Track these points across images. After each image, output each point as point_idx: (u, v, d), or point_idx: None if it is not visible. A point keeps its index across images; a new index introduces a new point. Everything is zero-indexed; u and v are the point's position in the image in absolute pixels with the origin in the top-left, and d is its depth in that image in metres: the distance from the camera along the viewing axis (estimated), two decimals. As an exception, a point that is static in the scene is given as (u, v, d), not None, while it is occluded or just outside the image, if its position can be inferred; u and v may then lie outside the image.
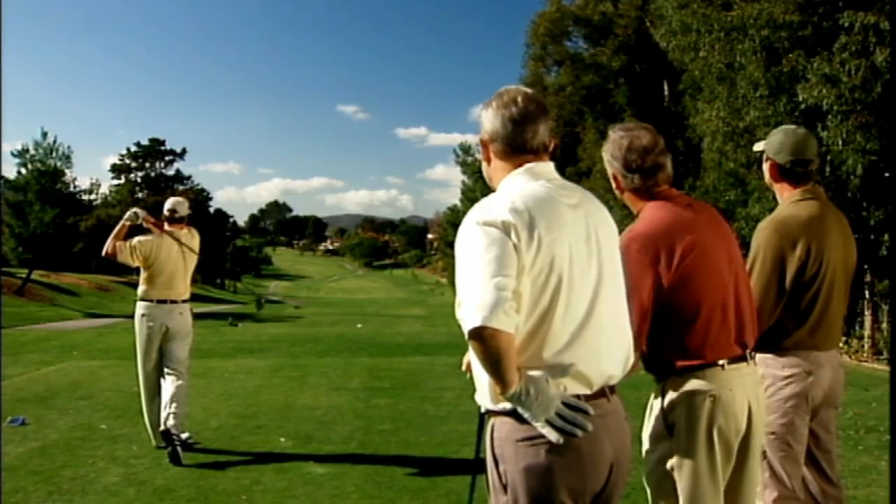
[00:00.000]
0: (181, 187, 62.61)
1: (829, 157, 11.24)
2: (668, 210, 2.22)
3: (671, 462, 2.15)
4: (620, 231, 1.99)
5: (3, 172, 38.01)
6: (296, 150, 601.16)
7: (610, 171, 2.33)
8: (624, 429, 1.82)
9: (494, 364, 1.61)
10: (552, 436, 1.64)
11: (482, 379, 1.74)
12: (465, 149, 54.25)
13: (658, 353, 2.17)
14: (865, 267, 12.35)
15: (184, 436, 4.91)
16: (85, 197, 40.74)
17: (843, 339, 11.74)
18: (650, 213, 2.24)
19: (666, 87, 23.00)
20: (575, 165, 24.54)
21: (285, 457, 4.93)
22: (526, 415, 1.66)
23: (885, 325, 13.00)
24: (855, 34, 10.70)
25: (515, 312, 1.61)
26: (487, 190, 1.87)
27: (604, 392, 1.76)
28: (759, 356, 2.39)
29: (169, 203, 5.44)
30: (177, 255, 5.23)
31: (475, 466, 1.92)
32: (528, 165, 1.81)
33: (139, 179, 66.61)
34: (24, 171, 32.27)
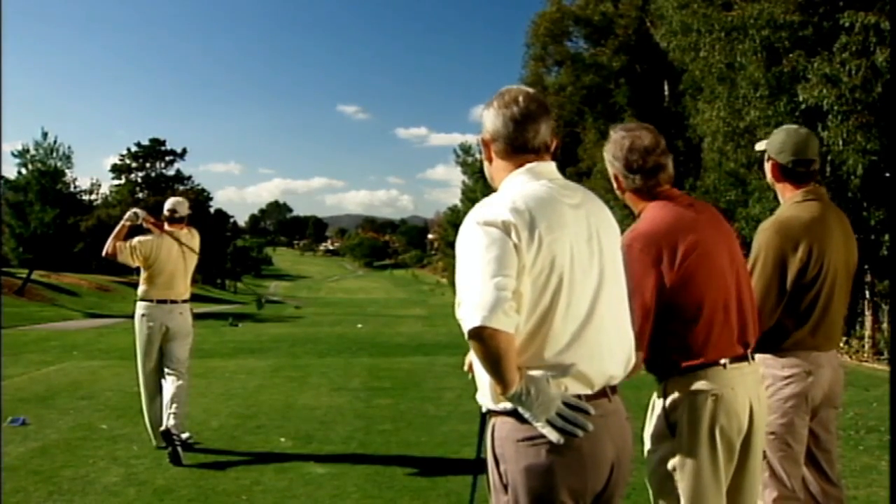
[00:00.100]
0: (181, 187, 62.63)
1: (829, 158, 11.24)
2: (669, 210, 2.22)
3: (673, 462, 2.15)
4: (622, 231, 1.99)
5: (3, 172, 38.05)
6: (296, 151, 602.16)
7: (611, 172, 2.33)
8: (625, 429, 1.81)
9: (494, 364, 1.61)
10: (553, 436, 1.64)
11: (483, 379, 1.74)
12: (466, 149, 54.24)
13: (660, 352, 2.17)
14: (866, 267, 12.35)
15: (184, 436, 4.91)
16: (85, 197, 40.89)
17: (844, 339, 11.73)
18: (652, 213, 2.24)
19: (666, 88, 23.01)
20: (575, 165, 24.54)
21: (286, 457, 4.92)
22: (526, 415, 1.66)
23: (885, 326, 13.00)
24: (855, 34, 10.71)
25: (515, 312, 1.60)
26: (488, 190, 1.87)
27: (605, 392, 1.75)
28: (758, 356, 2.39)
29: (169, 203, 5.43)
30: (177, 255, 5.23)
31: (476, 466, 1.92)
32: (529, 165, 1.80)
33: (139, 179, 66.66)
34: (24, 171, 32.34)
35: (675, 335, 2.16)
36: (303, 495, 4.12)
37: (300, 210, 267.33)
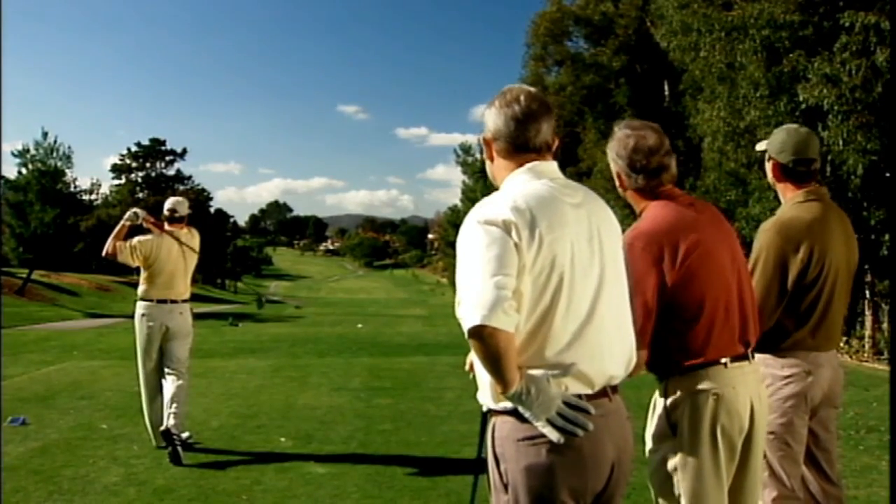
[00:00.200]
0: (182, 187, 62.62)
1: (829, 157, 11.24)
2: (671, 209, 2.22)
3: (675, 461, 2.15)
4: (623, 230, 1.99)
5: (3, 172, 38.04)
6: (296, 151, 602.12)
7: (614, 169, 2.33)
8: (626, 428, 1.81)
9: (494, 363, 1.61)
10: (553, 435, 1.64)
11: (484, 378, 1.73)
12: (466, 149, 54.25)
13: (660, 351, 2.17)
14: (866, 267, 12.35)
15: (184, 435, 4.90)
16: (85, 197, 40.89)
17: (844, 339, 11.73)
18: (653, 212, 2.23)
19: (666, 87, 23.01)
20: (575, 165, 24.54)
21: (286, 457, 4.92)
22: (527, 414, 1.65)
23: (885, 325, 13.00)
24: (855, 34, 10.71)
25: (515, 311, 1.60)
26: (488, 190, 1.87)
27: (605, 392, 1.75)
28: (758, 356, 2.39)
29: (169, 203, 5.43)
30: (177, 254, 5.22)
31: (477, 466, 1.92)
32: (530, 164, 1.80)
33: (140, 179, 66.62)
34: (24, 171, 32.33)
35: (675, 334, 2.16)
36: (303, 495, 4.12)
37: (300, 210, 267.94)
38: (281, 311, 42.70)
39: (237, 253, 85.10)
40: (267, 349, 12.39)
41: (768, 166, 2.78)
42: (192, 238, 5.38)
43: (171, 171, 67.52)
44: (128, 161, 66.64)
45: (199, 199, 60.24)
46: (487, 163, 1.91)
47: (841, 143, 10.87)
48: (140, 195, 60.25)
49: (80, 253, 35.90)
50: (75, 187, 35.55)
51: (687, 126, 17.84)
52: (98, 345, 12.94)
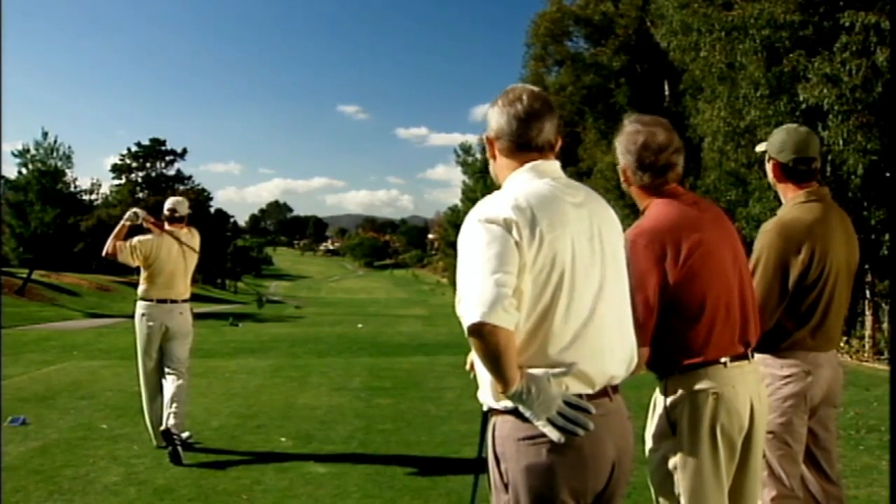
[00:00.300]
0: (182, 187, 62.60)
1: (829, 158, 11.24)
2: (674, 207, 2.22)
3: (675, 460, 2.15)
4: (624, 230, 1.99)
5: (3, 172, 38.09)
6: (296, 150, 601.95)
7: (621, 163, 2.32)
8: (626, 428, 1.81)
9: (494, 361, 1.61)
10: (553, 435, 1.64)
11: (485, 377, 1.73)
12: (466, 149, 54.30)
13: (660, 350, 2.17)
14: (866, 267, 12.35)
15: (184, 435, 4.90)
16: (85, 197, 40.89)
17: (844, 339, 11.73)
18: (657, 210, 2.23)
19: (667, 87, 23.01)
20: (575, 165, 24.53)
21: (286, 456, 4.92)
22: (527, 413, 1.65)
23: (885, 325, 13.00)
24: (856, 34, 10.71)
25: (515, 310, 1.60)
26: (488, 190, 1.87)
27: (606, 391, 1.75)
28: (758, 356, 2.39)
29: (169, 202, 5.43)
30: (177, 254, 5.23)
31: (478, 465, 1.92)
32: (532, 163, 1.80)
33: (140, 179, 66.61)
34: (24, 171, 32.39)
35: (676, 333, 2.16)
36: (303, 495, 4.12)
37: (300, 210, 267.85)
38: (281, 311, 42.71)
39: (237, 253, 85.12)
40: (267, 349, 12.39)
41: (768, 167, 2.77)
42: (193, 238, 5.38)
43: (171, 171, 67.58)
44: (128, 161, 66.64)
45: (199, 199, 60.24)
46: (490, 162, 1.91)
47: (841, 142, 10.87)
48: (140, 195, 60.24)
49: (80, 253, 35.95)
50: (75, 187, 35.62)
51: (687, 126, 17.82)
52: (98, 345, 12.94)
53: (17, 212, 31.70)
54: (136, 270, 5.31)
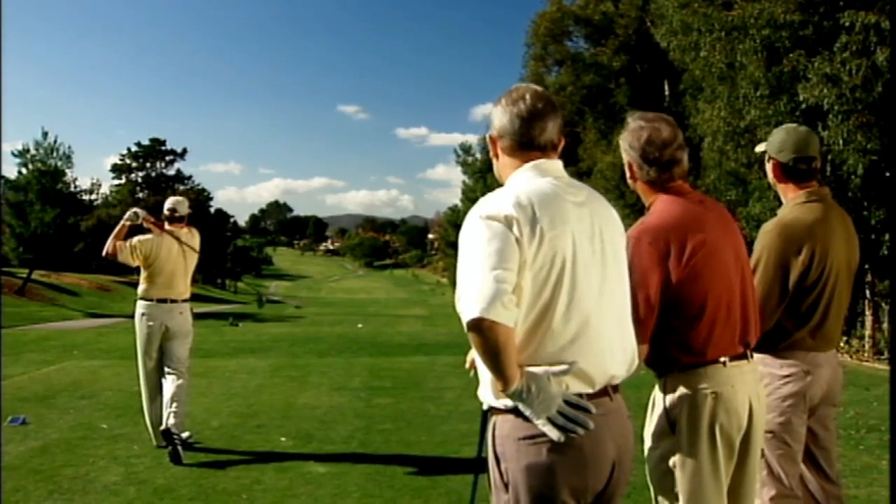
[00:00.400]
0: (182, 187, 62.60)
1: (829, 157, 11.24)
2: (680, 205, 2.22)
3: (673, 459, 2.15)
4: (625, 228, 1.99)
5: (3, 172, 38.10)
6: (296, 150, 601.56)
7: (626, 159, 2.32)
8: (626, 428, 1.81)
9: (493, 357, 1.61)
10: (553, 434, 1.64)
11: (486, 374, 1.73)
12: (466, 149, 54.32)
13: (660, 348, 2.17)
14: (866, 267, 12.35)
15: (184, 435, 4.91)
16: (85, 197, 40.90)
17: (844, 339, 11.74)
18: (662, 207, 2.23)
19: (667, 87, 23.02)
20: (575, 165, 24.53)
21: (286, 456, 4.92)
22: (527, 412, 1.65)
23: (885, 325, 13.00)
24: (856, 34, 10.71)
25: (515, 306, 1.60)
26: (488, 190, 1.88)
27: (606, 391, 1.75)
28: (757, 356, 2.39)
29: (169, 202, 5.44)
30: (177, 254, 5.23)
31: (477, 465, 1.92)
32: (535, 162, 1.81)
33: (140, 179, 66.63)
34: (24, 170, 32.36)
35: (676, 332, 2.16)
36: (303, 494, 4.12)
37: (300, 210, 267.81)
38: (281, 310, 42.71)
39: (237, 253, 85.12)
40: (267, 349, 12.40)
41: (768, 166, 2.77)
42: (193, 238, 5.38)
43: (171, 171, 67.58)
44: (128, 161, 66.64)
45: (199, 199, 60.25)
46: (494, 161, 1.92)
47: (841, 142, 10.87)
48: (140, 195, 60.26)
49: (80, 253, 35.92)
50: (75, 187, 35.61)
51: (687, 126, 17.84)
52: (98, 344, 12.94)
53: (17, 212, 31.69)
54: (136, 270, 5.32)
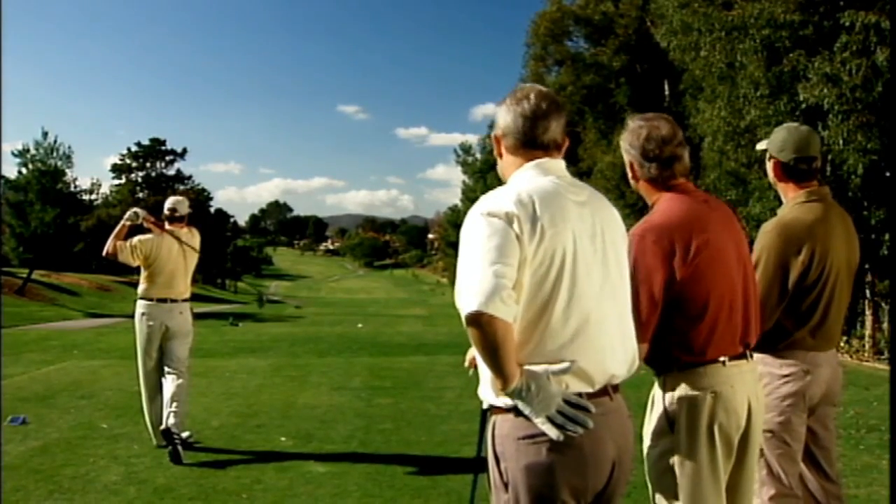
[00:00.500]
0: (182, 187, 62.60)
1: (829, 157, 11.24)
2: (684, 203, 2.21)
3: (672, 458, 2.15)
4: (627, 228, 1.99)
5: (3, 172, 38.12)
6: (296, 150, 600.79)
7: (627, 159, 2.32)
8: (626, 427, 1.81)
9: (492, 352, 1.60)
10: (553, 433, 1.64)
11: (486, 372, 1.73)
12: (466, 149, 54.41)
13: (660, 347, 2.17)
14: (866, 267, 12.35)
15: (184, 435, 4.91)
16: (86, 197, 40.91)
17: (844, 339, 11.74)
18: (667, 205, 2.23)
19: (667, 87, 23.03)
20: (575, 165, 24.54)
21: (286, 456, 4.92)
22: (527, 411, 1.65)
23: (885, 325, 13.00)
24: (856, 33, 10.71)
25: (514, 302, 1.61)
26: (488, 189, 1.88)
27: (606, 390, 1.75)
28: (756, 355, 2.39)
29: (169, 202, 5.44)
30: (177, 254, 5.23)
31: (477, 465, 1.92)
32: (538, 161, 1.81)
33: (140, 179, 66.64)
34: (24, 170, 32.43)
35: (678, 331, 2.16)
36: (303, 494, 4.12)
37: (300, 210, 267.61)
38: (281, 310, 42.73)
39: (237, 253, 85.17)
40: (267, 349, 12.40)
41: (769, 166, 2.77)
42: (193, 237, 5.38)
43: (171, 171, 67.60)
44: (128, 161, 66.65)
45: (199, 198, 60.28)
46: (497, 160, 1.93)
47: (841, 142, 10.87)
48: (140, 195, 60.27)
49: (80, 253, 35.98)
50: (75, 187, 35.66)
51: (687, 126, 17.85)
52: (98, 344, 12.94)
53: (17, 212, 31.74)
54: (136, 270, 5.32)
